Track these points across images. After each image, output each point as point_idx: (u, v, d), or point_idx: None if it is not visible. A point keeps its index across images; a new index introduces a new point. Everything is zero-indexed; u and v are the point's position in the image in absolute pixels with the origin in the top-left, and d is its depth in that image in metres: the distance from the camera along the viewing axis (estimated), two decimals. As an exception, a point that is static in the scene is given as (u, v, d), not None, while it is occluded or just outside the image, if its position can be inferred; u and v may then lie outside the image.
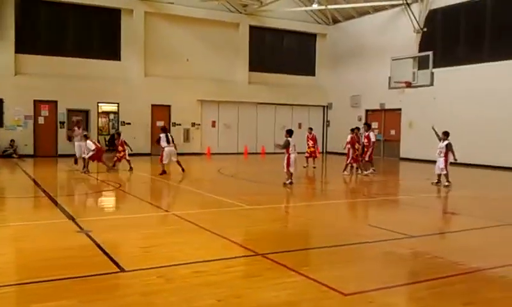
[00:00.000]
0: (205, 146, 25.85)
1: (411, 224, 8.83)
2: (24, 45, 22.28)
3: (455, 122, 19.46)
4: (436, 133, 14.26)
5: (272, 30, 28.12)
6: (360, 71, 26.65)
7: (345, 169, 16.82)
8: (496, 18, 20.64)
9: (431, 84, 18.25)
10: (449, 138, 13.81)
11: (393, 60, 19.66)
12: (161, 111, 25.12)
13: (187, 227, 8.09)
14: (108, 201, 11.83)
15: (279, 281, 5.29)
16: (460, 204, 11.81)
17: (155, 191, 13.76)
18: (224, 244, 6.93)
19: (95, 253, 6.27)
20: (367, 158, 16.96)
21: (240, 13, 26.81)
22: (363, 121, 25.86)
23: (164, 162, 15.68)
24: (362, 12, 26.87)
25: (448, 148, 13.63)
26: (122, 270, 5.56)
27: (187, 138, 25.51)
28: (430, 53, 18.02)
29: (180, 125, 25.47)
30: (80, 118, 20.84)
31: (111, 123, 28.04)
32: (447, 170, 13.66)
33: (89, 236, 7.05)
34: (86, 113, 23.35)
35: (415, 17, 22.18)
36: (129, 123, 24.29)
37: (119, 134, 17.92)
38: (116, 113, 25.15)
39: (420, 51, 21.10)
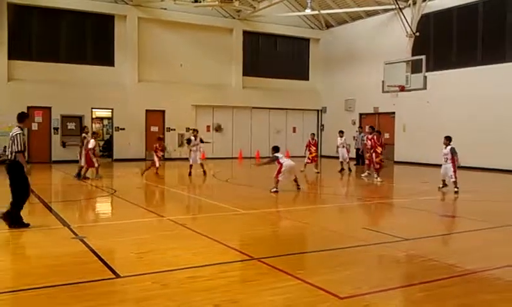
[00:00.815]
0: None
1: (407, 227, 8.87)
2: (17, 51, 22.19)
3: (448, 125, 19.56)
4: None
5: (265, 35, 28.24)
6: (353, 75, 26.76)
7: (372, 175, 16.57)
8: (488, 22, 20.83)
9: (424, 87, 18.33)
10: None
11: (386, 64, 19.74)
12: (155, 116, 25.08)
13: (182, 232, 8.08)
14: (103, 206, 11.79)
15: (275, 285, 5.30)
16: (454, 207, 11.88)
17: (150, 196, 13.74)
18: (220, 249, 6.92)
19: (90, 259, 6.25)
20: (366, 162, 17.04)
21: (234, 18, 26.88)
22: (357, 125, 25.98)
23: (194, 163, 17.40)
24: (355, 17, 27.03)
25: (453, 152, 13.50)
26: (118, 276, 5.55)
27: (181, 143, 25.44)
28: (423, 57, 18.13)
29: (174, 130, 25.47)
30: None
31: (105, 129, 28.00)
32: (455, 176, 13.28)
33: (84, 243, 7.03)
34: (79, 119, 23.25)
35: (407, 22, 22.31)
36: (123, 129, 24.24)
37: (161, 139, 18.99)
38: (110, 119, 25.10)
39: (412, 55, 21.22)
